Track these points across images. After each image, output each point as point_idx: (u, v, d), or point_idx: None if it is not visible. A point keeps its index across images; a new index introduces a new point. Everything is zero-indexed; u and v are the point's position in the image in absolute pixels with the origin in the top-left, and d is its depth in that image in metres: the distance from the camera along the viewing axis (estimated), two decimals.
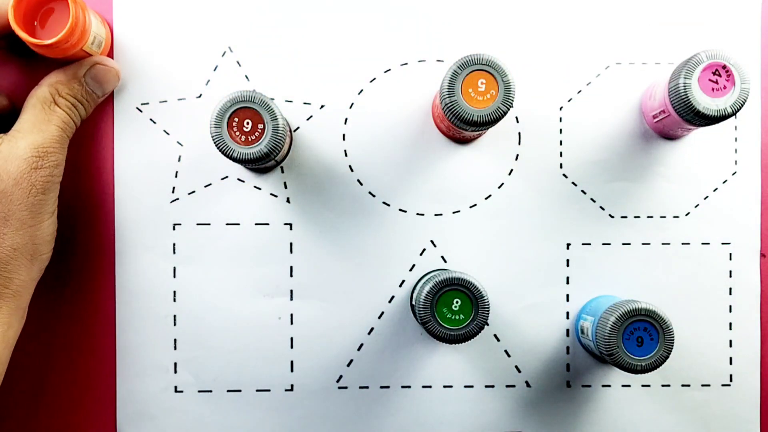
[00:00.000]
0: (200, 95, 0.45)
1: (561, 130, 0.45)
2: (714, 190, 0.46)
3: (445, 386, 0.45)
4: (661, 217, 0.46)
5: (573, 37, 0.46)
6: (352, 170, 0.45)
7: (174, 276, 0.45)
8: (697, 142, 0.46)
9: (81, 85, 0.41)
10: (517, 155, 0.46)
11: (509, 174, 0.45)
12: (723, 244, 0.46)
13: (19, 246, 0.38)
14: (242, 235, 0.45)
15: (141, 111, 0.45)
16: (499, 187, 0.45)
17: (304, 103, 0.45)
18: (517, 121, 0.46)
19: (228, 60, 0.45)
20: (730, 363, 0.46)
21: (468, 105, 0.38)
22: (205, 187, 0.45)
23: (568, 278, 0.45)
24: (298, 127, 0.45)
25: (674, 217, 0.46)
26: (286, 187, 0.45)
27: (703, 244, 0.46)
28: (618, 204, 0.45)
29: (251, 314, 0.45)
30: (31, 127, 0.39)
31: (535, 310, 0.45)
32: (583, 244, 0.45)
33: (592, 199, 0.45)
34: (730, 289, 0.46)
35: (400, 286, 0.45)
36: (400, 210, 0.45)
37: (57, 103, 0.40)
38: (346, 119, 0.45)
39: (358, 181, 0.45)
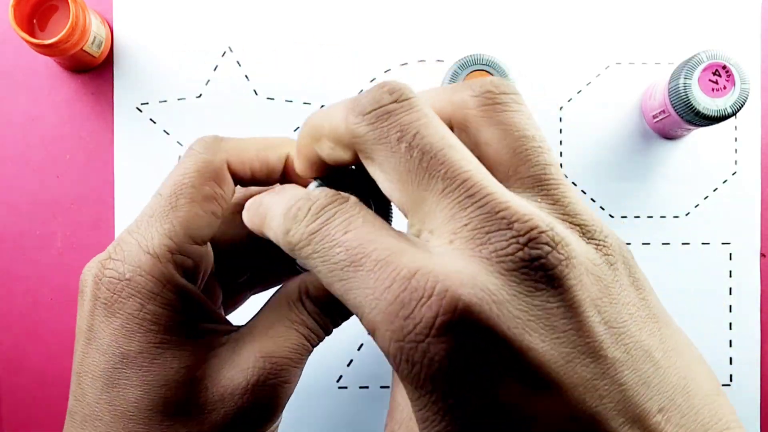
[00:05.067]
0: (200, 95, 0.45)
1: (561, 130, 0.45)
2: (714, 190, 0.46)
3: None
4: (661, 217, 0.46)
5: (573, 37, 0.46)
6: None
7: None
8: (697, 142, 0.46)
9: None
10: None
11: None
12: (723, 244, 0.46)
13: None
14: None
15: (141, 111, 0.45)
16: None
17: (304, 103, 0.45)
18: None
19: (228, 60, 0.45)
20: (730, 363, 0.46)
21: None
22: None
23: None
24: (298, 127, 0.45)
25: (674, 217, 0.46)
26: None
27: (703, 244, 0.46)
28: (618, 204, 0.45)
29: (251, 314, 0.45)
30: (266, 330, 0.28)
31: None
32: None
33: (592, 199, 0.45)
34: (730, 289, 0.46)
35: None
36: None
37: (304, 304, 0.29)
38: None
39: None
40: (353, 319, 0.48)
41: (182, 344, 0.27)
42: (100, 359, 0.26)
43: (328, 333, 0.30)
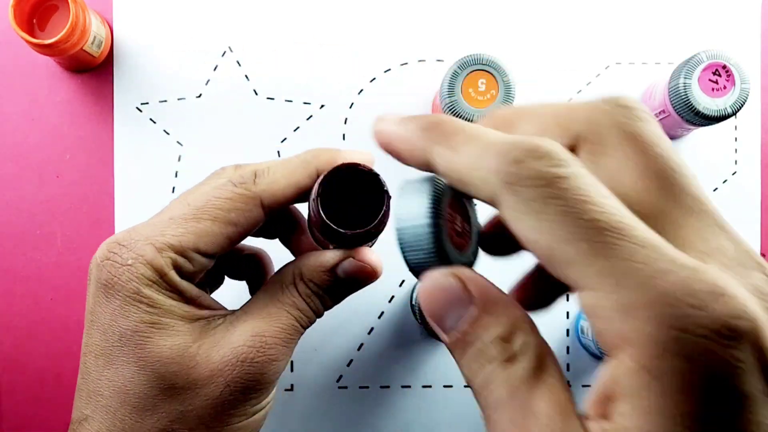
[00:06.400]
0: (200, 95, 0.45)
1: None
2: (714, 190, 0.46)
3: (445, 386, 0.45)
4: None
5: (573, 37, 0.46)
6: None
7: None
8: (697, 142, 0.46)
9: (329, 276, 0.31)
10: None
11: None
12: None
13: None
14: None
15: (141, 111, 0.45)
16: None
17: (304, 103, 0.45)
18: None
19: (228, 60, 0.45)
20: None
21: (468, 105, 0.38)
22: None
23: None
24: (298, 127, 0.45)
25: None
26: None
27: None
28: None
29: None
30: (258, 311, 0.30)
31: None
32: None
33: None
34: None
35: (400, 286, 0.45)
36: None
37: (297, 287, 0.31)
38: (346, 119, 0.45)
39: None
40: (354, 319, 0.48)
41: (177, 325, 0.29)
42: (101, 338, 0.29)
43: (319, 315, 0.32)
